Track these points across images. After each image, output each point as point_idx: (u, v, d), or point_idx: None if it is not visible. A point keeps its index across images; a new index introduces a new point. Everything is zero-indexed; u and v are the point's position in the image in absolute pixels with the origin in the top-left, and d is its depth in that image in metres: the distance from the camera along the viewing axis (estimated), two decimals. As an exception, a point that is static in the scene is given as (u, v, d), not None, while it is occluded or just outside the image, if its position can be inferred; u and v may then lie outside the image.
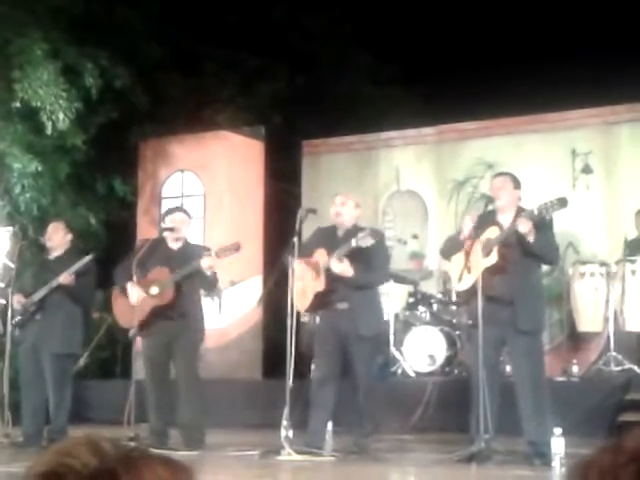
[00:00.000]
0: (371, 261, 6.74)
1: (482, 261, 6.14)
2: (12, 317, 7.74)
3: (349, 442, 6.80)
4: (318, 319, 6.92)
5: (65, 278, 7.56)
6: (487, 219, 6.37)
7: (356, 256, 6.64)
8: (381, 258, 6.95)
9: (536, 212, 6.05)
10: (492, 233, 6.22)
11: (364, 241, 6.54)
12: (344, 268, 6.63)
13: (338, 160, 11.35)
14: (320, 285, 6.74)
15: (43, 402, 7.72)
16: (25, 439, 7.56)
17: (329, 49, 13.74)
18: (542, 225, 6.16)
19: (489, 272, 6.15)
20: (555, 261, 6.77)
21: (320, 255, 6.80)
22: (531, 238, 6.08)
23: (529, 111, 10.40)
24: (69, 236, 8.01)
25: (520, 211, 6.28)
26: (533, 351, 6.32)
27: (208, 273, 7.04)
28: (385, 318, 9.59)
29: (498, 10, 13.32)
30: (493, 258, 6.18)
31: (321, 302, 6.78)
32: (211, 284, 7.31)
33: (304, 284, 6.78)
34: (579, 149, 10.10)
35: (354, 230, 6.78)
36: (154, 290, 7.11)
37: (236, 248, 7.04)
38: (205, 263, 6.96)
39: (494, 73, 11.97)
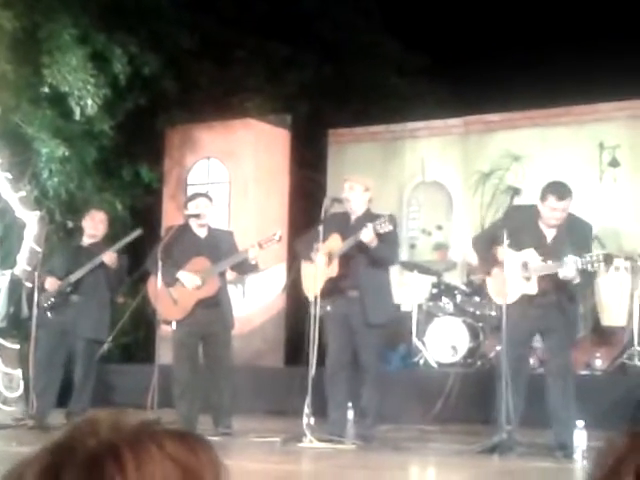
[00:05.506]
0: (385, 243, 6.70)
1: (522, 285, 6.16)
2: (45, 300, 7.77)
3: (352, 433, 6.81)
4: (328, 307, 6.78)
5: (109, 257, 7.63)
6: (523, 216, 6.33)
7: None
8: (394, 239, 6.86)
9: (580, 266, 5.93)
10: (532, 259, 6.20)
11: (383, 227, 6.48)
12: (372, 236, 6.50)
13: (363, 150, 11.34)
14: (333, 271, 6.68)
15: (54, 384, 7.78)
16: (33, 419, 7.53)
17: (356, 39, 13.73)
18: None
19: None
20: None
21: (334, 240, 6.72)
22: (576, 280, 6.04)
23: (556, 103, 10.34)
24: (106, 224, 8.14)
25: (562, 228, 6.20)
26: (567, 345, 6.35)
27: (253, 262, 7.19)
28: (408, 309, 9.63)
29: (526, 1, 13.27)
30: (533, 288, 6.18)
31: (332, 288, 6.69)
32: (253, 272, 7.75)
33: (316, 269, 6.66)
34: (606, 142, 10.03)
35: (367, 217, 6.69)
36: (196, 281, 7.14)
37: (278, 239, 7.20)
38: (252, 254, 7.10)
39: (521, 65, 11.94)
